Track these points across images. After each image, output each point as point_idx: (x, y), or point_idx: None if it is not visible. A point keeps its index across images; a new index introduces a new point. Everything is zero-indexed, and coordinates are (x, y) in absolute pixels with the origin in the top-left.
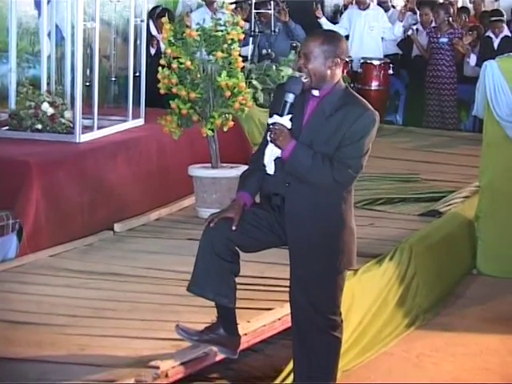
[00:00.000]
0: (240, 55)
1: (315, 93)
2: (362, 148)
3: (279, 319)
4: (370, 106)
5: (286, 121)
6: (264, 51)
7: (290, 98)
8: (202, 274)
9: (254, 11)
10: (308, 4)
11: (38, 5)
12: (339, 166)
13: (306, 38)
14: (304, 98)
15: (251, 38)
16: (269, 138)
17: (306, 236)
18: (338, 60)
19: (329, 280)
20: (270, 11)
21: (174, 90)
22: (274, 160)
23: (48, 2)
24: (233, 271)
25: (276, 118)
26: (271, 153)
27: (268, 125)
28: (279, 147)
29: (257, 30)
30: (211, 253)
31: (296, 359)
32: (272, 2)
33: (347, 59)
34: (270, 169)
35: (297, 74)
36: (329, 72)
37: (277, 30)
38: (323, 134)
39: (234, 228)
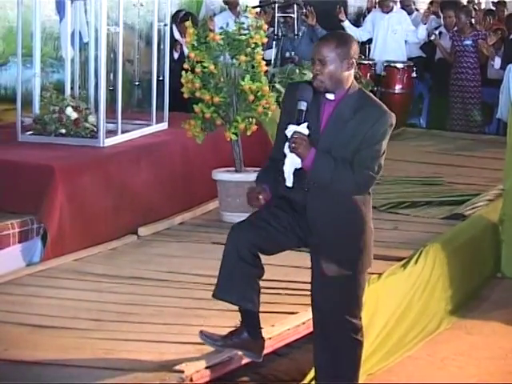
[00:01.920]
0: (263, 59)
1: (330, 97)
2: (380, 149)
3: (303, 323)
4: (385, 108)
5: (303, 129)
6: (287, 54)
7: (304, 105)
8: (227, 279)
9: (277, 15)
10: (331, 7)
11: (59, 10)
12: (359, 169)
13: (318, 43)
14: (318, 102)
15: (274, 42)
16: (287, 150)
17: (329, 238)
18: (353, 61)
19: (350, 282)
20: (293, 15)
21: (198, 94)
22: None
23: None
24: (257, 275)
25: (293, 128)
26: (291, 163)
27: (285, 136)
28: (300, 157)
29: (280, 33)
30: (236, 258)
31: (318, 363)
32: (295, 6)
33: (370, 62)
34: (289, 181)
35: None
36: (345, 74)
37: (300, 34)
38: (342, 138)
39: (260, 197)
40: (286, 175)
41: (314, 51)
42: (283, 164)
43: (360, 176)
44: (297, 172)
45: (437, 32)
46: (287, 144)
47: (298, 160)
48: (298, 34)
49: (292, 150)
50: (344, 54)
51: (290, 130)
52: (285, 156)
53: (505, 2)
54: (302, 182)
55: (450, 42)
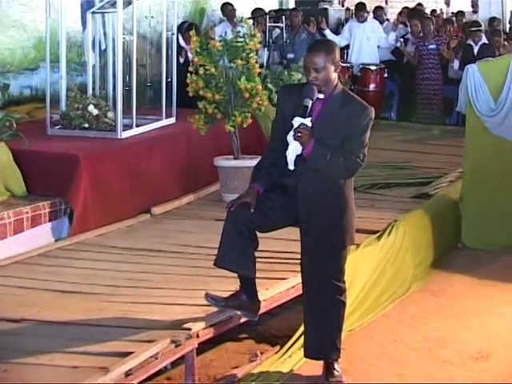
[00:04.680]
0: (256, 62)
1: (321, 96)
2: (365, 140)
3: (293, 287)
4: (366, 104)
5: (308, 122)
6: (289, 55)
7: (309, 102)
8: (227, 250)
9: (268, 24)
10: (315, 17)
11: (83, 21)
12: (349, 156)
13: (309, 53)
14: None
15: (266, 48)
16: (291, 138)
17: (316, 216)
18: (339, 63)
19: (335, 253)
20: (281, 24)
21: (201, 92)
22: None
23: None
24: (253, 246)
25: (300, 120)
26: (294, 150)
27: (285, 127)
28: (302, 145)
29: (271, 41)
30: (234, 232)
31: (306, 321)
32: (283, 17)
33: (348, 65)
34: (292, 164)
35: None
36: (334, 76)
37: (297, 39)
38: (330, 130)
39: (252, 211)
40: (288, 160)
41: (307, 60)
42: (286, 151)
43: (349, 162)
44: (298, 157)
45: (403, 39)
46: (292, 133)
47: (300, 147)
48: (286, 41)
49: (296, 138)
50: (332, 59)
51: (297, 121)
52: (287, 144)
53: (463, 12)
54: (297, 167)
55: (413, 47)
